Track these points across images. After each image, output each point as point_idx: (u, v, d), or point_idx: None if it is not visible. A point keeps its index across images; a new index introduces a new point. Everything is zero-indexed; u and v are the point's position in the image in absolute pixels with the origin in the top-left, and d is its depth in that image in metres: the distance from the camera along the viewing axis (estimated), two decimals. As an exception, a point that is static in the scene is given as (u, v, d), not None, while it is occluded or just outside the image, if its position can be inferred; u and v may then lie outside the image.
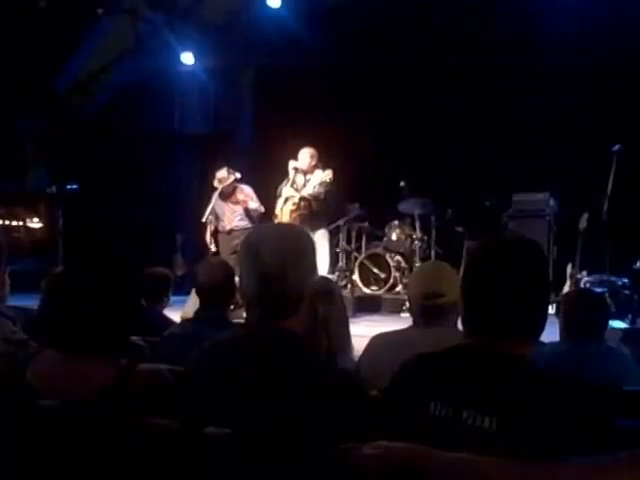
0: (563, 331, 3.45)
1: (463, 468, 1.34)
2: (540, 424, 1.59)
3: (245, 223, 8.22)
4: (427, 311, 2.83)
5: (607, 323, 3.64)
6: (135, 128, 11.69)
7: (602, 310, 3.58)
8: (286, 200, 8.02)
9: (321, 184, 7.90)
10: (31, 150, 11.73)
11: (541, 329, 1.82)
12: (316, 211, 7.98)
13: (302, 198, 7.90)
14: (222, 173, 8.27)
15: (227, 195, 8.32)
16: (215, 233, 8.41)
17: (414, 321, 2.95)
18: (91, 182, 10.56)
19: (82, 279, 2.06)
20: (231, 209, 8.32)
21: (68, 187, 9.39)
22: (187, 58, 10.89)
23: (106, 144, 11.68)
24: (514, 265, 1.77)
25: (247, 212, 8.24)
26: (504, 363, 1.72)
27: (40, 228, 11.65)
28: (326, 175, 7.91)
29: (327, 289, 2.93)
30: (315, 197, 7.91)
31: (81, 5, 10.50)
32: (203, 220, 8.26)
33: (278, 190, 8.15)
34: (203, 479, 1.65)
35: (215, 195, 8.27)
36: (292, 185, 8.07)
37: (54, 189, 9.56)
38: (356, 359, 3.00)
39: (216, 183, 8.25)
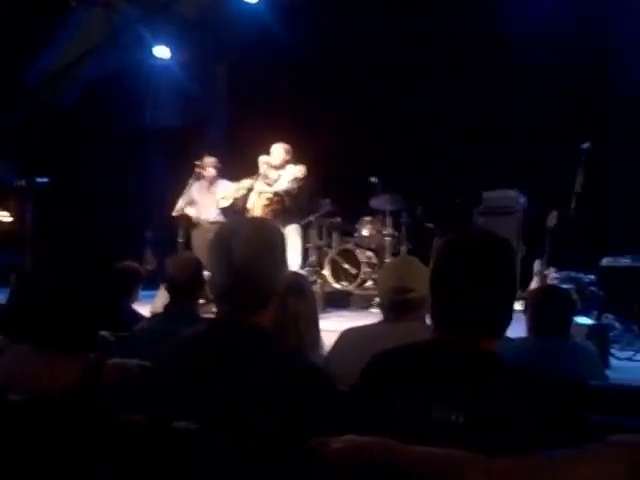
0: (530, 327, 3.48)
1: (432, 461, 1.35)
2: (508, 418, 1.61)
3: (222, 218, 8.18)
4: (396, 306, 2.84)
5: (572, 319, 3.69)
6: (106, 122, 11.61)
7: (568, 306, 3.62)
8: (259, 194, 8.00)
9: (294, 179, 7.88)
10: (0, 143, 11.59)
11: (507, 324, 1.84)
12: (289, 206, 7.96)
13: (275, 193, 7.87)
14: (209, 159, 8.26)
15: (208, 184, 8.29)
16: (188, 223, 8.34)
17: (384, 316, 2.97)
18: (61, 176, 10.48)
19: (50, 274, 2.05)
20: (211, 200, 8.28)
21: (38, 181, 9.31)
22: (162, 52, 10.81)
23: (77, 138, 11.59)
24: (481, 261, 1.79)
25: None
26: (472, 358, 1.73)
27: (9, 222, 11.51)
28: (299, 170, 7.89)
29: (298, 284, 2.93)
30: (288, 192, 7.88)
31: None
32: (174, 214, 8.20)
33: (249, 184, 8.11)
34: (172, 473, 1.65)
35: (194, 182, 8.20)
36: (264, 180, 8.04)
37: (23, 182, 9.46)
38: (325, 354, 3.01)
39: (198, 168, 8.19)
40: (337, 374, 2.61)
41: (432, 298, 1.85)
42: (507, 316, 1.83)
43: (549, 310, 3.42)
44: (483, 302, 1.76)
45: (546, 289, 4.56)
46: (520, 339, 3.48)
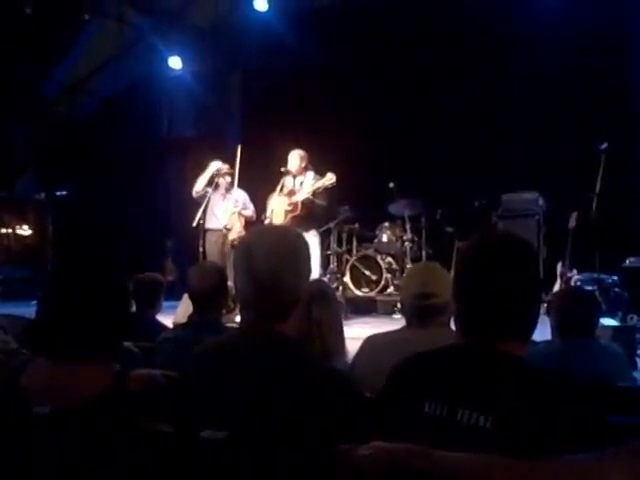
0: (555, 330, 3.46)
1: (461, 467, 1.34)
2: (536, 422, 1.60)
3: (239, 225, 8.20)
4: (420, 311, 2.83)
5: (598, 321, 3.66)
6: (124, 133, 11.69)
7: (593, 308, 3.59)
8: (280, 203, 8.04)
9: (322, 191, 7.91)
10: (20, 157, 11.69)
11: (533, 328, 1.82)
12: (311, 214, 7.99)
13: (302, 201, 7.89)
14: (224, 165, 8.29)
15: (224, 192, 8.32)
16: (203, 232, 8.37)
17: (407, 322, 2.96)
18: (80, 188, 10.55)
19: (73, 285, 2.05)
20: (225, 207, 8.30)
21: (57, 193, 9.37)
22: (174, 62, 10.89)
23: (95, 149, 11.66)
24: (505, 264, 1.77)
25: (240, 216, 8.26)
26: (498, 362, 1.72)
27: (29, 235, 11.59)
28: (329, 180, 7.90)
29: (322, 292, 2.93)
30: (312, 201, 7.92)
31: (67, 11, 10.48)
32: (194, 225, 8.23)
33: (268, 201, 8.19)
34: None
35: (209, 190, 8.24)
36: (281, 190, 8.07)
37: (43, 196, 9.53)
38: (350, 361, 3.00)
39: (214, 168, 8.23)
40: (361, 380, 2.60)
41: (456, 303, 1.84)
42: (532, 319, 1.81)
43: (574, 312, 3.40)
44: (507, 306, 1.74)
45: (570, 291, 4.54)
46: (545, 342, 3.46)
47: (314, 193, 7.89)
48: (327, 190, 7.97)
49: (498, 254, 1.80)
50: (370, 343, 3.02)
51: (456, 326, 1.86)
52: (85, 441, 1.73)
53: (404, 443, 1.42)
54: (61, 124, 11.96)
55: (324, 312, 2.80)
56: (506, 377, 1.69)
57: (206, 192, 8.19)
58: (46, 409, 1.80)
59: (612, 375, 3.05)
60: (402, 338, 2.84)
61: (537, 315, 1.82)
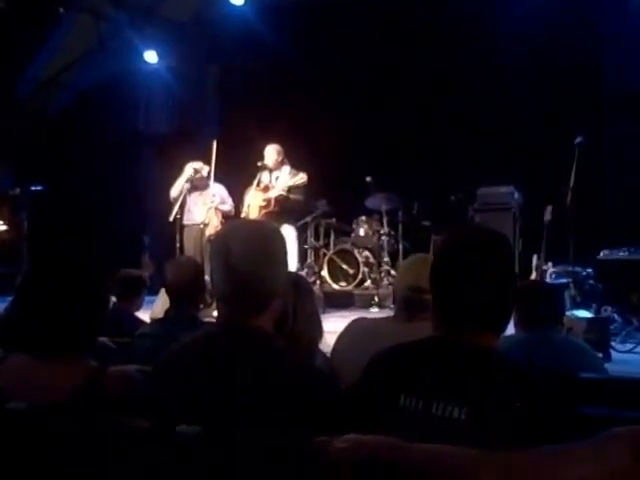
0: (517, 323, 3.45)
1: (435, 459, 1.35)
2: (508, 414, 1.62)
3: (216, 220, 8.19)
4: (411, 304, 2.82)
5: (558, 312, 3.68)
6: (100, 128, 11.60)
7: (551, 300, 3.60)
8: (255, 197, 8.05)
9: (296, 187, 7.94)
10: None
11: (507, 321, 1.85)
12: (286, 209, 8.01)
13: (275, 198, 7.92)
14: (198, 163, 8.26)
15: (200, 188, 8.30)
16: (181, 228, 8.36)
17: (395, 313, 2.95)
18: (56, 183, 10.46)
19: (48, 281, 2.05)
20: (203, 203, 8.28)
21: (33, 189, 9.29)
22: (150, 57, 10.82)
23: (71, 145, 11.58)
24: (479, 258, 1.78)
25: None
26: (472, 355, 1.74)
27: (4, 231, 11.49)
28: (300, 179, 7.94)
29: (301, 284, 2.93)
30: (286, 197, 7.95)
31: (42, 5, 10.38)
32: (170, 219, 8.20)
33: (245, 195, 8.19)
34: (175, 478, 1.65)
35: (186, 186, 8.23)
36: (257, 185, 8.08)
37: (18, 191, 9.45)
38: (327, 355, 3.01)
39: (190, 172, 8.21)
40: (343, 362, 2.61)
41: (432, 296, 1.85)
42: (507, 313, 1.84)
43: (535, 305, 3.40)
44: (482, 299, 1.76)
45: (530, 283, 4.57)
46: (506, 337, 3.46)
47: (288, 189, 7.92)
48: (302, 186, 8.00)
49: (473, 247, 1.81)
50: (356, 326, 3.03)
51: (432, 319, 1.87)
52: (61, 437, 1.73)
53: (378, 435, 1.43)
54: (36, 119, 11.86)
55: (302, 304, 2.79)
56: (479, 369, 1.71)
57: (182, 189, 8.17)
58: (22, 404, 1.80)
59: (578, 367, 3.05)
60: (388, 327, 2.84)
61: (511, 308, 1.85)
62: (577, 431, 1.45)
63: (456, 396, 1.66)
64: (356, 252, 9.25)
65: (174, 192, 8.17)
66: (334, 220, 9.61)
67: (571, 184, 6.89)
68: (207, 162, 8.28)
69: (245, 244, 1.89)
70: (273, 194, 7.94)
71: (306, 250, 9.20)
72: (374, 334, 2.76)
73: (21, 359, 2.01)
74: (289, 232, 7.83)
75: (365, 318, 3.15)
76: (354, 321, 3.09)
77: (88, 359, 2.07)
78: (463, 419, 1.63)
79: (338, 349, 2.96)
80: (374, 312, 8.19)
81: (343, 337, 3.02)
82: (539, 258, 7.11)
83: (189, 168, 8.17)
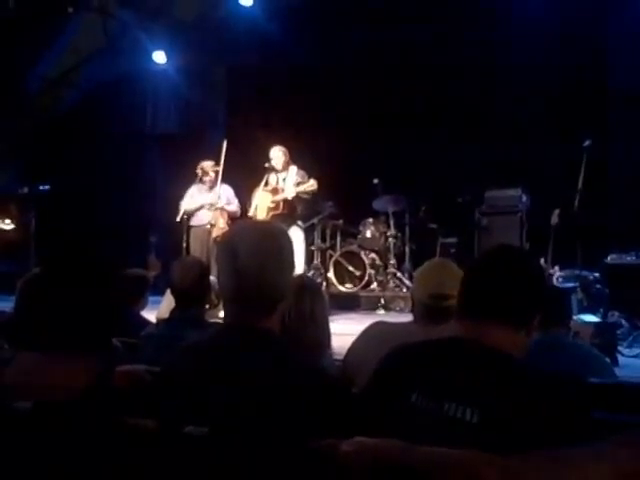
0: None
1: (445, 462, 1.34)
2: (521, 417, 1.61)
3: (222, 221, 8.21)
4: (433, 313, 2.76)
5: (565, 316, 3.67)
6: (107, 128, 11.62)
7: (559, 303, 3.59)
8: (263, 199, 8.07)
9: (305, 193, 7.97)
10: (1, 151, 11.59)
11: (527, 325, 1.87)
12: (294, 211, 8.04)
13: (284, 200, 7.94)
14: (208, 163, 8.28)
15: (208, 188, 8.32)
16: (187, 228, 8.39)
17: (415, 320, 2.89)
18: (63, 183, 10.47)
19: (57, 279, 2.05)
20: (210, 204, 8.29)
21: (40, 188, 9.30)
22: (158, 57, 10.83)
23: (78, 144, 11.59)
24: (507, 268, 1.86)
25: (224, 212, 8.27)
26: (487, 357, 1.74)
27: (12, 230, 11.50)
28: (311, 186, 7.97)
29: (312, 285, 2.92)
30: (295, 199, 7.98)
31: (51, 4, 10.40)
32: (177, 220, 8.22)
33: (253, 196, 8.22)
34: (183, 478, 1.65)
35: (194, 186, 8.26)
36: (265, 186, 8.10)
37: (25, 190, 9.46)
38: (335, 357, 3.00)
39: (199, 172, 8.24)
40: (359, 365, 2.59)
41: (460, 298, 1.91)
42: (529, 317, 1.87)
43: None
44: (503, 302, 1.82)
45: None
46: None
47: (297, 194, 7.96)
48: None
49: (508, 261, 1.91)
50: (375, 329, 2.98)
51: (455, 320, 1.91)
52: (68, 437, 1.73)
53: (390, 435, 1.42)
54: (44, 118, 11.88)
55: (314, 306, 2.78)
56: (494, 371, 1.71)
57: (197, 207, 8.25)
58: (28, 404, 1.79)
59: (588, 371, 3.03)
60: (408, 332, 2.78)
61: (534, 315, 1.88)
62: (593, 435, 1.44)
63: (469, 397, 1.66)
64: (363, 254, 9.25)
65: (188, 207, 8.22)
66: (341, 222, 9.61)
67: (579, 187, 6.87)
68: (216, 163, 8.29)
69: (253, 246, 1.89)
70: (282, 197, 7.96)
71: (313, 252, 9.21)
72: (393, 339, 2.73)
73: (31, 358, 2.01)
74: (296, 234, 7.85)
75: (384, 322, 3.10)
76: (373, 324, 3.04)
77: (98, 359, 2.07)
78: (475, 421, 1.62)
79: (355, 352, 2.92)
80: (380, 314, 8.19)
81: (360, 340, 2.98)
82: (546, 262, 7.09)
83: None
